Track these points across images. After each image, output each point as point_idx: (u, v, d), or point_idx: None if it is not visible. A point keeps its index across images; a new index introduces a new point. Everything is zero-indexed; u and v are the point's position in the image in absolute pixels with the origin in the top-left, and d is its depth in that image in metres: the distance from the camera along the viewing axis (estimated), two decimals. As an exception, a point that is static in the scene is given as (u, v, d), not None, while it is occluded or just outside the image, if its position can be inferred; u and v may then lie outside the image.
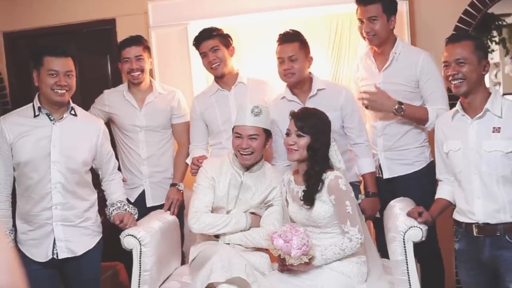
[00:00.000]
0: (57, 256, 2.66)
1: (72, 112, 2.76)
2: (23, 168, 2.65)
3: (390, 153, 3.05)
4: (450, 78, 2.41)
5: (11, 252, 0.94)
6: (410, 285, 2.54)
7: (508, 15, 5.71)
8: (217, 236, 2.84)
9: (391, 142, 3.04)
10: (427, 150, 3.07)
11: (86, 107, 3.27)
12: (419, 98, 3.00)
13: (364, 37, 3.03)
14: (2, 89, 4.10)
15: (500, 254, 2.28)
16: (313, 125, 2.59)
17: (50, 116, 2.70)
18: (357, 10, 3.03)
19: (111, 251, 3.01)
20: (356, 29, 3.43)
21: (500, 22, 5.26)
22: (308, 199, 2.58)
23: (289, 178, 2.78)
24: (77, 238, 2.73)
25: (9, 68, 4.10)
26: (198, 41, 3.15)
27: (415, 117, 2.94)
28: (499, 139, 2.31)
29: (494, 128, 2.33)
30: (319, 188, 2.57)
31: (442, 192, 2.63)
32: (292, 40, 2.96)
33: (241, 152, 2.79)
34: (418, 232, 2.53)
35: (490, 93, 2.40)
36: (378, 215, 2.96)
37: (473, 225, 2.35)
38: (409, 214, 2.59)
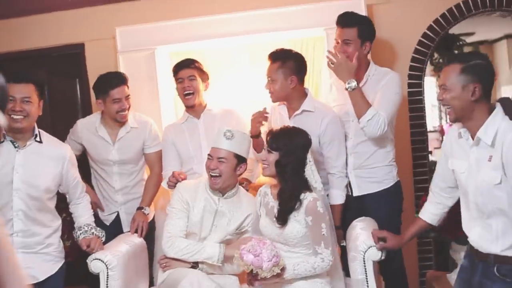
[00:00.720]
0: None
1: (37, 138, 2.77)
2: None
3: (360, 171, 3.11)
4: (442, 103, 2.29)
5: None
6: (370, 303, 2.60)
7: (468, 34, 5.89)
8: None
9: (361, 160, 3.10)
10: (395, 169, 3.14)
11: (56, 129, 3.32)
12: None
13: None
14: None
15: (485, 283, 2.22)
16: (282, 143, 2.66)
17: (15, 143, 2.71)
18: (336, 30, 3.10)
19: (81, 275, 3.01)
20: (319, 52, 3.56)
21: (461, 42, 5.43)
22: (281, 218, 2.62)
23: (265, 191, 2.83)
24: (38, 265, 2.72)
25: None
26: (178, 68, 3.28)
27: (357, 104, 2.93)
28: (489, 169, 2.15)
29: (490, 156, 2.16)
30: (295, 207, 2.61)
31: (424, 213, 2.58)
32: (274, 60, 3.04)
33: (210, 174, 2.84)
34: (377, 252, 2.60)
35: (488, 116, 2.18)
36: (343, 243, 2.96)
37: (473, 248, 2.30)
38: (372, 236, 2.64)
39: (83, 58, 3.98)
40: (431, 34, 3.66)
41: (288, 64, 3.03)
